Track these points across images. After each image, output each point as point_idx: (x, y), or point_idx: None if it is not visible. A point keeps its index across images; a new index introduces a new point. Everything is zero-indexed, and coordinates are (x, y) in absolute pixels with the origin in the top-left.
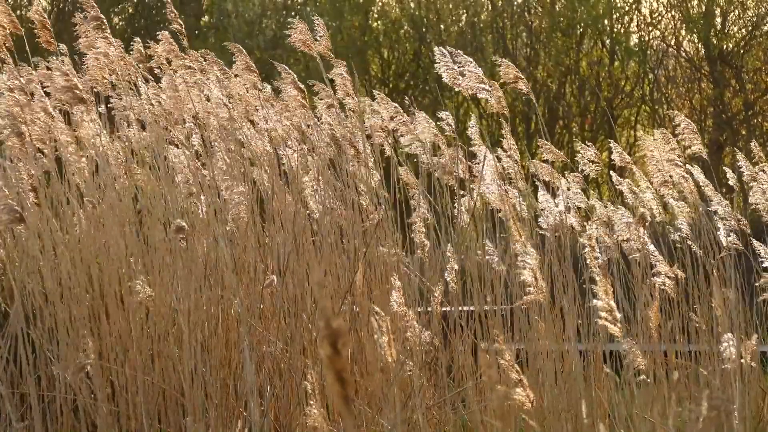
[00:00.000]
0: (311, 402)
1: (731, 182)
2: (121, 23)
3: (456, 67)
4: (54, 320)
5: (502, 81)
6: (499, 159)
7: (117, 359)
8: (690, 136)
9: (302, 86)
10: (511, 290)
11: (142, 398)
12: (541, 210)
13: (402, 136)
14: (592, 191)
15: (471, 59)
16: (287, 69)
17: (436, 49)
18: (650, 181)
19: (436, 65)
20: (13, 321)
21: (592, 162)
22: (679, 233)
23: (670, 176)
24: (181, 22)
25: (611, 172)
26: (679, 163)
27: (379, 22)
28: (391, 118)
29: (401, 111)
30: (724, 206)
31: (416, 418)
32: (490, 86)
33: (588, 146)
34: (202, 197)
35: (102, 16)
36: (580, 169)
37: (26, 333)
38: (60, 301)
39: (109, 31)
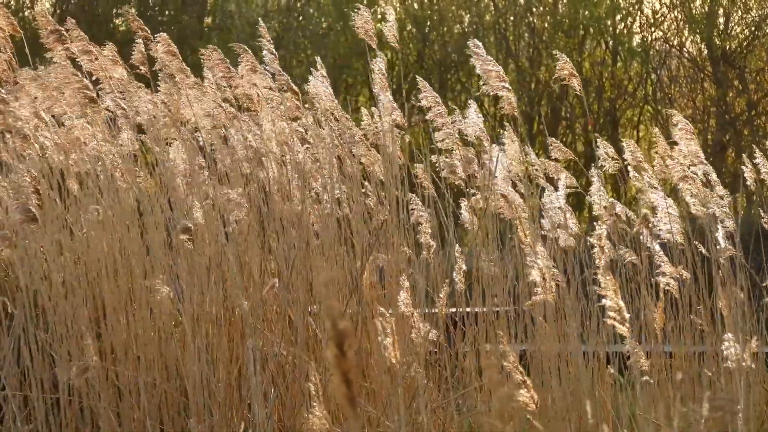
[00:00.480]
0: (314, 404)
1: (749, 181)
2: (123, 26)
3: (490, 59)
4: (57, 321)
5: (556, 75)
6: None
7: (120, 361)
8: (687, 137)
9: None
10: (517, 291)
11: (146, 400)
12: (545, 209)
13: (438, 129)
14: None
15: (490, 58)
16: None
17: (470, 43)
18: (661, 178)
19: (472, 58)
20: (17, 322)
21: (612, 158)
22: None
23: (693, 172)
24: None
25: (629, 168)
26: (704, 161)
27: (382, 23)
28: (429, 109)
29: (440, 102)
30: (722, 207)
31: (421, 420)
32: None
33: (604, 144)
34: (196, 202)
35: (61, 28)
36: (599, 164)
37: (32, 335)
38: (65, 301)
39: (69, 42)
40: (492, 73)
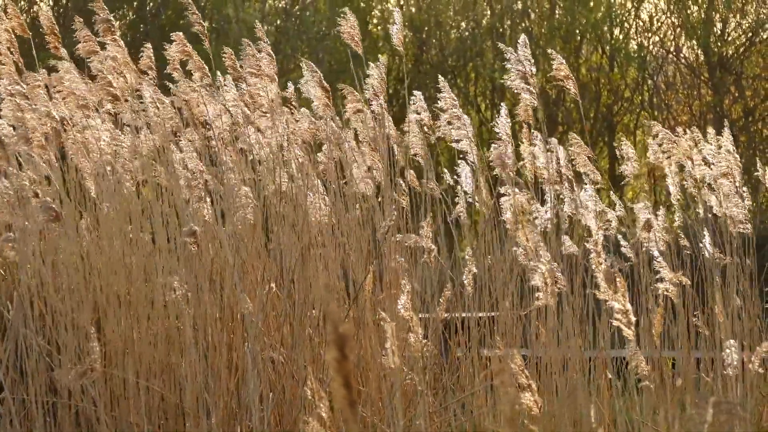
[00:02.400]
0: (320, 405)
1: (763, 180)
2: (122, 28)
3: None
4: (55, 324)
5: (552, 74)
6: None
7: (119, 364)
8: (669, 146)
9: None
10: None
11: (143, 404)
12: (537, 211)
13: (450, 130)
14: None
15: (528, 57)
16: (313, 66)
17: (501, 45)
18: (689, 176)
19: (505, 57)
20: (15, 325)
21: (633, 159)
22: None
23: (729, 168)
24: (204, 24)
25: (689, 164)
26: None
27: (379, 27)
28: (443, 110)
29: (457, 105)
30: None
31: (418, 424)
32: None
33: (626, 145)
34: (209, 200)
35: (111, 18)
36: (623, 164)
37: (28, 339)
38: (62, 305)
39: (118, 33)
40: (519, 73)
